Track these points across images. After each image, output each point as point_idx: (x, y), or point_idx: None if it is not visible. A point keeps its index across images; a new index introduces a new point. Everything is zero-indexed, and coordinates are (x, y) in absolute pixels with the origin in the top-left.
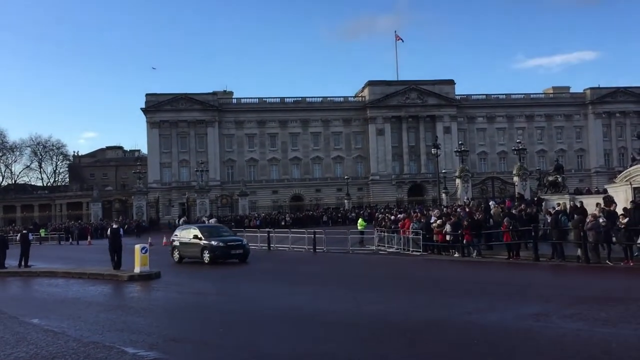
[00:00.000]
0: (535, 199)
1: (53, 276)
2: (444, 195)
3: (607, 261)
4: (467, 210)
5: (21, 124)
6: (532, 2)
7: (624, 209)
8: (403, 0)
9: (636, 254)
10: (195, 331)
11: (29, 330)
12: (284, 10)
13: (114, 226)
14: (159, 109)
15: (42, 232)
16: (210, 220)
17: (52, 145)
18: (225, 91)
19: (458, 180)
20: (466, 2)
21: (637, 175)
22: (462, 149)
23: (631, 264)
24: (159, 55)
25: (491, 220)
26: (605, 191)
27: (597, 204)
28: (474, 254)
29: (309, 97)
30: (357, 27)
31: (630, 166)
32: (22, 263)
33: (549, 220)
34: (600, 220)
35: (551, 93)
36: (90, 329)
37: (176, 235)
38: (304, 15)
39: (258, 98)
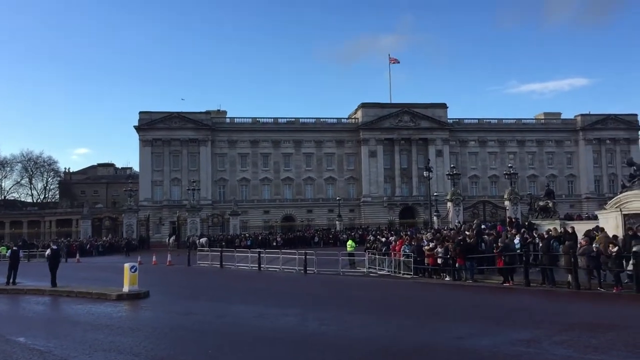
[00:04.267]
0: (527, 223)
1: (40, 294)
2: (435, 218)
3: (598, 287)
4: (465, 233)
5: (12, 140)
6: (528, 29)
7: (614, 236)
8: (404, 21)
9: (626, 280)
10: (184, 352)
11: (15, 349)
12: (281, 31)
13: (54, 247)
14: (152, 127)
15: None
16: (201, 240)
17: (43, 162)
18: (218, 110)
19: (449, 204)
20: (465, 26)
21: (627, 202)
22: (454, 172)
23: (616, 290)
24: (152, 73)
25: (483, 244)
26: (595, 217)
27: (587, 231)
28: (465, 278)
29: (302, 118)
30: (358, 47)
31: (621, 193)
32: (10, 280)
33: (540, 246)
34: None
35: (542, 119)
36: (77, 348)
37: None
38: (301, 36)
39: (251, 118)
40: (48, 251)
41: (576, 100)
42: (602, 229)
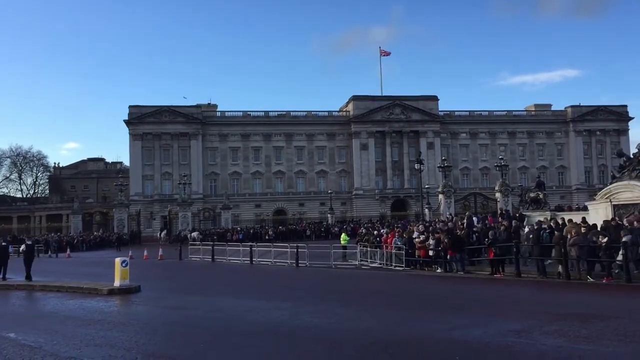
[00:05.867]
0: (517, 215)
1: (30, 289)
2: (426, 210)
3: (588, 278)
4: (450, 225)
5: (2, 135)
6: (520, 21)
7: (603, 227)
8: (396, 12)
9: (617, 271)
10: (175, 347)
11: (5, 344)
12: (271, 23)
13: (28, 242)
14: (142, 121)
15: None
16: (192, 234)
17: (33, 157)
18: (209, 104)
19: (441, 196)
20: (456, 18)
21: (617, 193)
22: (445, 164)
23: (606, 280)
24: (143, 66)
25: (474, 235)
26: (585, 208)
27: (570, 220)
28: (456, 269)
29: (293, 111)
30: (349, 39)
31: (610, 183)
32: (0, 276)
33: (530, 237)
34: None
35: (533, 110)
36: (67, 343)
37: None
38: (292, 28)
39: (242, 111)
40: (23, 246)
41: (567, 91)
42: (570, 220)
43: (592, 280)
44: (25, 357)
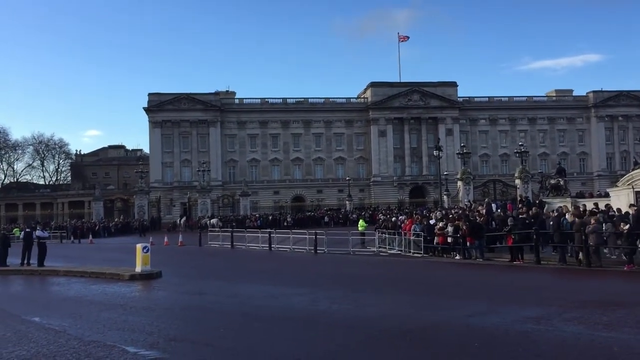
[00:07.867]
0: (538, 201)
1: (54, 275)
2: (445, 197)
3: (610, 265)
4: (469, 212)
5: (24, 122)
6: (543, 4)
7: (625, 213)
8: None
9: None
10: (196, 331)
11: (30, 328)
12: (290, 8)
13: (27, 229)
14: (162, 108)
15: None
16: (212, 220)
17: (55, 144)
18: (227, 91)
19: (460, 183)
20: (478, 2)
21: (639, 179)
22: (464, 151)
23: (627, 267)
24: (162, 54)
25: (493, 222)
26: (607, 194)
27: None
28: (475, 256)
29: (311, 98)
30: (370, 24)
31: (633, 170)
32: (25, 261)
33: (551, 224)
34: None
35: (554, 96)
36: (91, 327)
37: None
38: (312, 12)
39: (260, 98)
40: (38, 232)
41: (589, 76)
42: (577, 207)
43: (613, 267)
44: (50, 341)
